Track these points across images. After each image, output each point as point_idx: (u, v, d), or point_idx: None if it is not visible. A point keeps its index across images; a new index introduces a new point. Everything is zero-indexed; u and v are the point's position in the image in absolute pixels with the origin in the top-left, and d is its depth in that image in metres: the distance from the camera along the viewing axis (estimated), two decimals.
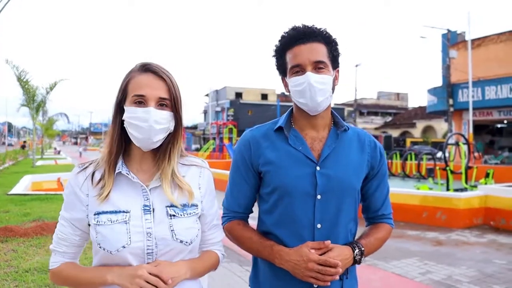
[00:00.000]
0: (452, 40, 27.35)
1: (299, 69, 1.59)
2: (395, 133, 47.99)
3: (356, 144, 1.71)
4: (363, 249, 1.60)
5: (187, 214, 1.43)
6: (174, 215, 1.41)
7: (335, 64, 1.66)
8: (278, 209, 1.65)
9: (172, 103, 1.42)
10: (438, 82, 29.58)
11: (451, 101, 25.58)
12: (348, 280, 1.66)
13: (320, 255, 1.51)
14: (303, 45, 1.60)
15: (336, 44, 1.66)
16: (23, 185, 12.63)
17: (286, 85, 1.70)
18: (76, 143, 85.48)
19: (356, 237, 1.71)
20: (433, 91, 27.99)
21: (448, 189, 11.42)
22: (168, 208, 1.41)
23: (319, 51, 1.60)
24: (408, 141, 39.84)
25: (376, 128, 54.85)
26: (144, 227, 1.37)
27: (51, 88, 23.54)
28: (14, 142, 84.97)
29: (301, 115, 1.69)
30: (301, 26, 1.63)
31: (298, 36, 1.61)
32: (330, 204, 1.61)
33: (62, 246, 1.45)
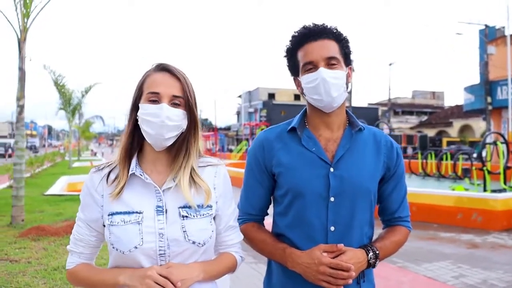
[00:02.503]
0: (490, 36, 26.50)
1: (311, 66, 1.57)
2: (431, 132, 46.88)
3: (372, 144, 1.66)
4: (377, 252, 1.56)
5: (201, 215, 1.42)
6: (186, 216, 1.40)
7: (347, 61, 1.64)
8: (291, 211, 1.62)
9: (185, 101, 1.42)
10: (475, 79, 28.77)
11: (489, 99, 24.77)
12: (365, 284, 1.62)
13: (333, 258, 1.46)
14: (314, 42, 1.58)
15: (347, 41, 1.64)
16: (59, 186, 13.12)
17: (298, 85, 1.67)
18: (111, 145, 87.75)
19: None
20: (470, 89, 27.23)
21: (485, 190, 11.05)
22: (180, 209, 1.40)
23: (331, 47, 1.58)
24: (445, 140, 38.83)
25: (411, 128, 53.78)
26: (157, 228, 1.37)
27: (86, 92, 24.33)
28: (55, 144, 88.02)
29: (315, 114, 1.65)
30: (312, 25, 1.62)
31: (309, 34, 1.60)
32: (343, 206, 1.57)
33: (78, 246, 1.48)
